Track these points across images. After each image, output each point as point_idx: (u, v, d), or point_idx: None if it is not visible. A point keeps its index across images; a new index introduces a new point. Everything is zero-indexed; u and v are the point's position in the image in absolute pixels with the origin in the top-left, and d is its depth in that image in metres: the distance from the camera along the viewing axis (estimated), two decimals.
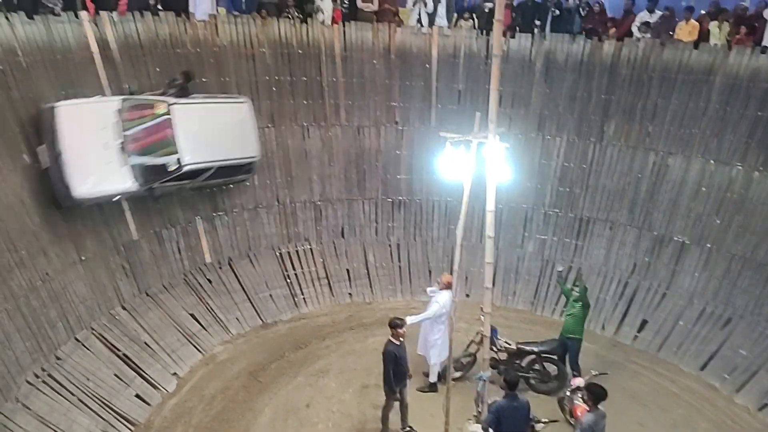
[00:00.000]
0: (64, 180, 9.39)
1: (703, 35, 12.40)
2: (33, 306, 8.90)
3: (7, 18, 9.35)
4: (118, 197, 10.28)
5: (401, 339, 8.55)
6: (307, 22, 12.90)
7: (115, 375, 9.65)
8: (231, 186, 12.36)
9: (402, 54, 13.47)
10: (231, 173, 11.53)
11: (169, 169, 10.24)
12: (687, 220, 12.06)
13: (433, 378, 10.25)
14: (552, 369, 10.27)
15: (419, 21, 13.70)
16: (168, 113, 10.21)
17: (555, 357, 10.22)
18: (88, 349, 9.59)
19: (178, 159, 10.18)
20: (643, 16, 13.04)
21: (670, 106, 12.22)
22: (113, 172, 9.93)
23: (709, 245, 11.77)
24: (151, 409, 9.71)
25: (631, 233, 12.63)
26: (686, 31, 12.45)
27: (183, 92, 10.82)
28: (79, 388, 9.05)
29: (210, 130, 10.78)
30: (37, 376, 8.66)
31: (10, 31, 9.35)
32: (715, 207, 11.77)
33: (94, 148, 9.77)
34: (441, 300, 9.75)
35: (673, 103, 12.18)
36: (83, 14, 10.48)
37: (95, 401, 9.11)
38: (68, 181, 9.39)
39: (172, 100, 10.41)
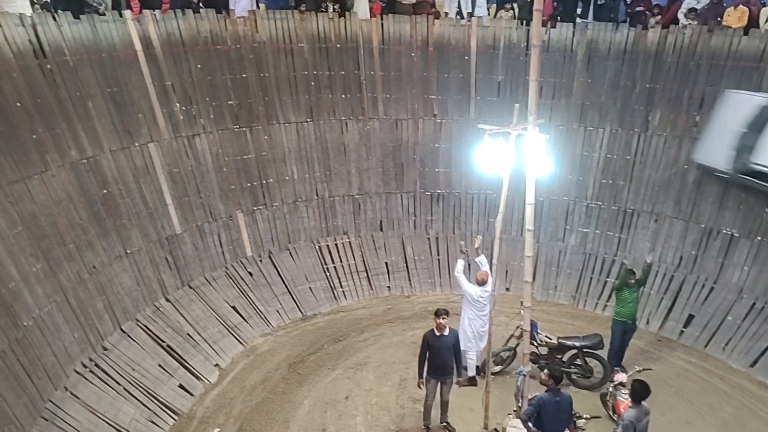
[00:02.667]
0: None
1: (754, 20, 11.96)
2: (81, 298, 9.17)
3: (54, 18, 9.62)
4: (722, 175, 11.35)
5: (444, 332, 8.48)
6: (345, 17, 12.91)
7: (159, 365, 9.88)
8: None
9: (440, 46, 13.37)
10: None
11: (744, 162, 10.76)
12: (736, 212, 11.65)
13: (471, 372, 10.18)
14: (594, 364, 10.09)
15: (459, 13, 13.57)
16: None
17: (596, 352, 10.03)
18: (133, 339, 9.85)
19: (749, 156, 10.64)
20: (689, 2, 12.66)
21: (718, 95, 11.81)
22: (727, 154, 10.95)
23: (759, 238, 11.36)
24: (193, 399, 9.91)
25: (678, 226, 12.29)
26: (735, 16, 12.02)
27: None
28: (125, 378, 9.29)
29: None
30: (84, 366, 8.92)
31: (58, 30, 9.62)
32: (765, 199, 11.34)
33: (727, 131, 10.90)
34: (469, 289, 9.73)
35: (722, 91, 11.77)
36: (127, 13, 10.71)
37: (140, 391, 9.34)
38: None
39: None
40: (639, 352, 10.97)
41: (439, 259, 13.51)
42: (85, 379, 8.82)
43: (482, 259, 10.00)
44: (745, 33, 11.64)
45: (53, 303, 8.63)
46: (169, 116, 11.33)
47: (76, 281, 9.16)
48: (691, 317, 11.69)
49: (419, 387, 8.84)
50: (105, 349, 9.37)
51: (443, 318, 8.44)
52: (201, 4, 11.99)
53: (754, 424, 9.54)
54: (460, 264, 9.94)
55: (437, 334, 8.48)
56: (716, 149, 11.21)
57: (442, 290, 13.18)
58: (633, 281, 10.06)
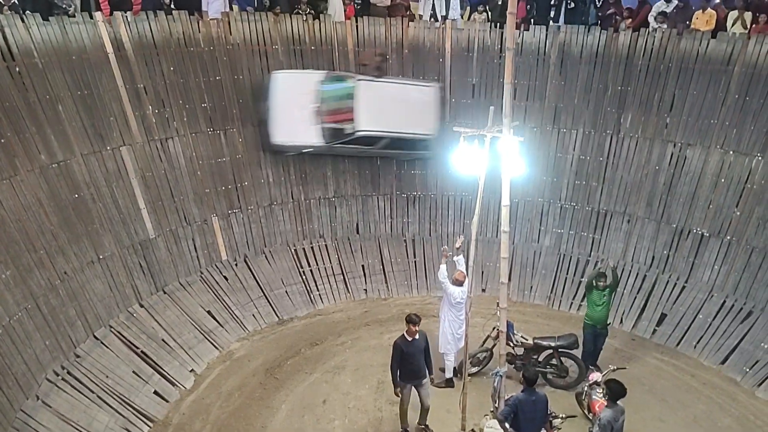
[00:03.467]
0: (269, 129, 12.22)
1: (721, 24, 12.21)
2: (52, 305, 9.02)
3: (22, 19, 9.44)
4: (307, 150, 12.58)
5: (415, 336, 8.48)
6: (319, 19, 12.88)
7: (134, 372, 9.75)
8: (415, 161, 13.52)
9: (415, 48, 13.41)
10: (408, 147, 12.85)
11: (346, 132, 12.24)
12: (706, 212, 11.89)
13: (448, 373, 10.22)
14: (569, 364, 10.20)
15: (433, 16, 13.63)
16: (353, 90, 12.21)
17: (572, 352, 10.13)
18: (106, 346, 9.71)
19: (353, 125, 12.12)
20: (659, 5, 12.88)
21: (687, 97, 12.05)
22: (306, 129, 12.31)
23: (728, 237, 11.61)
24: (169, 406, 9.80)
25: (650, 226, 12.49)
26: (703, 20, 12.26)
27: (379, 72, 12.46)
28: (98, 386, 9.16)
29: (389, 105, 12.42)
30: (56, 374, 8.78)
31: (26, 32, 9.45)
32: (734, 198, 11.59)
33: (296, 108, 12.19)
34: (449, 289, 9.74)
35: (691, 93, 12.01)
36: (98, 15, 10.56)
37: (114, 398, 9.21)
38: (271, 131, 12.20)
39: (359, 76, 12.35)
40: (613, 351, 11.12)
41: (415, 262, 13.53)
42: (58, 387, 8.68)
43: (460, 259, 10.05)
44: (713, 36, 11.88)
45: (23, 310, 8.47)
46: (142, 119, 11.19)
47: (47, 288, 9.01)
48: (663, 316, 11.88)
49: (396, 395, 8.82)
50: (77, 356, 9.22)
51: (417, 325, 8.43)
52: (173, 6, 11.86)
53: (725, 420, 9.74)
54: (444, 268, 9.95)
55: (409, 339, 8.48)
56: (294, 128, 12.35)
57: (418, 293, 13.21)
58: (602, 284, 10.09)
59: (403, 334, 8.51)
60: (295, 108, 12.22)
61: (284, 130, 12.29)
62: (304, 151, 12.64)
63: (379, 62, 12.58)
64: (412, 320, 8.41)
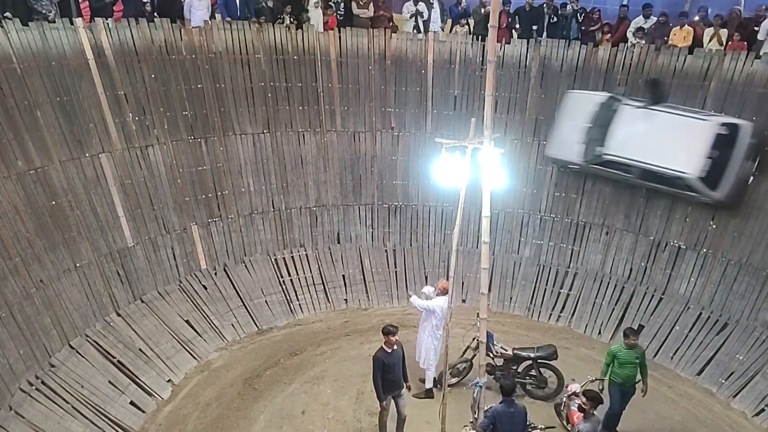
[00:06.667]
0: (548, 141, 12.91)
1: (698, 40, 12.46)
2: (27, 313, 8.87)
3: (1, 25, 9.34)
4: (572, 167, 12.77)
5: (394, 347, 8.48)
6: (302, 28, 12.90)
7: (110, 382, 9.62)
8: (676, 198, 12.00)
9: (397, 60, 13.48)
10: (663, 182, 11.55)
11: (595, 154, 12.01)
12: (683, 224, 12.07)
13: (428, 384, 10.21)
14: (548, 374, 10.24)
15: (415, 27, 13.73)
16: (616, 109, 11.96)
17: (551, 362, 10.18)
18: (82, 356, 9.57)
19: (601, 150, 11.91)
20: (638, 21, 13.11)
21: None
22: (575, 147, 12.34)
23: (705, 250, 11.78)
24: (145, 417, 9.67)
25: (628, 238, 12.64)
26: (681, 36, 12.50)
27: (656, 98, 11.72)
28: (74, 396, 9.01)
29: (647, 133, 11.54)
30: (30, 384, 8.62)
31: (5, 37, 9.34)
32: (710, 212, 11.78)
33: (573, 127, 12.36)
34: (437, 303, 9.73)
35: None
36: (78, 21, 10.48)
37: (89, 409, 9.07)
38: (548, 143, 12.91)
39: (626, 99, 11.99)
40: (591, 362, 11.17)
41: (396, 272, 13.53)
42: (31, 397, 8.52)
43: (427, 289, 10.16)
44: (690, 52, 12.11)
45: None
46: (122, 126, 11.10)
47: (21, 296, 8.86)
48: (641, 327, 11.98)
49: (383, 408, 8.79)
50: (52, 366, 9.07)
51: (395, 336, 8.44)
52: (155, 14, 11.81)
53: (701, 431, 9.83)
54: (415, 298, 9.99)
55: (388, 350, 8.47)
56: (566, 144, 12.47)
57: (399, 303, 13.19)
58: (633, 340, 8.89)
59: (382, 346, 8.50)
60: (572, 125, 12.37)
61: (557, 144, 12.64)
62: (569, 167, 12.82)
63: (652, 88, 11.86)
64: (389, 331, 8.41)
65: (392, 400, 8.82)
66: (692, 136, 11.16)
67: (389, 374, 8.51)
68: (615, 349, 8.97)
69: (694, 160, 11.04)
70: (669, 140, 11.31)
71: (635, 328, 9.72)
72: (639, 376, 9.02)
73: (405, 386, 8.84)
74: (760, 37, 11.83)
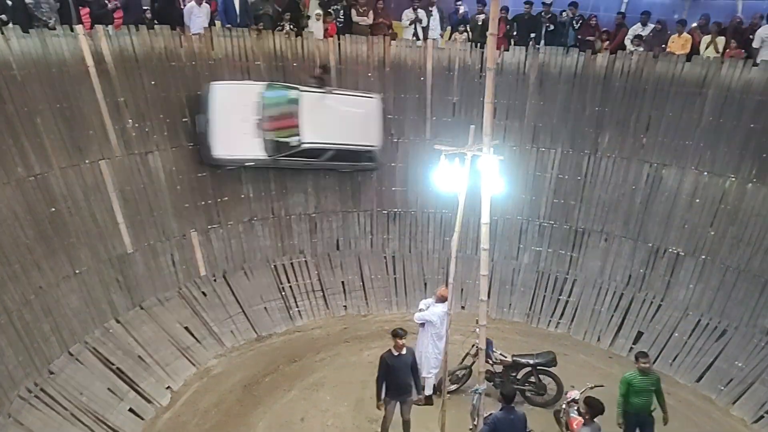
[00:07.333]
0: (208, 142, 11.67)
1: (696, 48, 12.51)
2: (26, 320, 8.87)
3: (1, 32, 9.37)
4: (249, 164, 12.26)
5: (402, 351, 8.46)
6: (302, 36, 12.95)
7: (109, 389, 9.61)
8: (358, 173, 13.38)
9: (396, 67, 13.52)
10: (352, 158, 12.79)
11: (291, 145, 11.99)
12: (681, 231, 12.09)
13: (428, 391, 10.20)
14: (547, 381, 10.24)
15: (414, 34, 13.78)
16: (297, 99, 12.11)
17: (550, 369, 10.17)
18: (81, 363, 9.55)
19: (299, 138, 11.95)
20: (635, 29, 13.16)
21: (663, 118, 12.29)
22: (248, 142, 12.00)
23: (703, 257, 11.80)
24: (144, 424, 9.65)
25: (626, 245, 12.66)
26: (679, 44, 12.54)
27: (321, 83, 12.46)
28: (72, 403, 9.00)
29: (333, 117, 12.39)
30: (29, 391, 8.61)
31: (5, 44, 9.37)
32: (709, 218, 11.81)
33: (236, 120, 11.85)
34: (436, 311, 9.72)
35: (667, 115, 12.26)
36: (78, 28, 10.51)
37: (88, 416, 9.05)
38: (211, 144, 11.66)
39: (303, 87, 12.26)
40: (591, 369, 11.19)
41: (395, 278, 13.53)
42: (30, 404, 8.51)
43: (423, 303, 10.14)
44: (688, 59, 12.16)
45: None
46: (121, 133, 11.11)
47: (20, 302, 8.86)
48: (640, 334, 12.01)
49: (378, 409, 8.79)
50: (51, 372, 9.06)
51: (402, 339, 8.44)
52: (155, 21, 11.85)
53: None
54: (418, 314, 9.94)
55: (395, 353, 8.47)
56: (237, 141, 11.96)
57: (398, 309, 13.19)
58: (645, 363, 8.37)
59: (390, 349, 8.51)
60: (236, 120, 11.91)
61: (225, 143, 11.84)
62: (246, 164, 12.33)
63: (321, 73, 12.59)
64: (398, 334, 8.41)
65: (397, 404, 8.81)
66: (368, 112, 12.79)
67: (394, 378, 8.51)
68: (629, 377, 8.41)
69: (376, 133, 12.84)
70: (355, 119, 12.59)
71: (645, 351, 9.08)
72: (654, 404, 8.52)
73: (413, 393, 8.81)
74: (754, 44, 11.88)
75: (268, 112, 12.10)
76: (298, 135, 12.02)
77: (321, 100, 12.38)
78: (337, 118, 12.46)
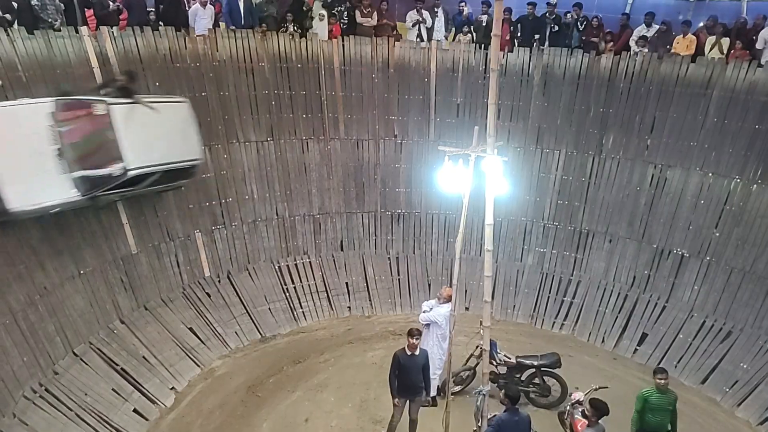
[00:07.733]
0: None
1: (700, 49, 12.48)
2: (31, 320, 8.88)
3: (7, 33, 9.40)
4: (57, 209, 9.14)
5: (415, 351, 8.49)
6: (306, 37, 12.97)
7: (113, 390, 9.61)
8: (169, 192, 11.29)
9: (400, 68, 13.53)
10: (175, 177, 10.54)
11: (114, 176, 9.26)
12: (686, 232, 12.07)
13: (432, 392, 10.17)
14: (552, 383, 10.22)
15: (419, 36, 13.78)
16: (107, 115, 9.23)
17: (554, 371, 10.15)
18: (86, 363, 9.56)
19: (123, 165, 9.22)
20: (640, 30, 13.14)
21: (668, 119, 12.27)
22: (51, 182, 8.95)
23: (708, 258, 11.77)
24: (148, 424, 9.65)
25: (631, 246, 12.63)
26: (683, 45, 12.52)
27: (126, 93, 9.77)
28: (77, 403, 9.01)
29: (152, 132, 9.80)
30: (34, 391, 8.62)
31: (11, 45, 9.39)
32: (714, 219, 11.79)
33: (26, 156, 8.76)
34: (441, 312, 9.71)
35: (671, 116, 12.24)
36: (83, 29, 10.53)
37: (93, 416, 9.06)
38: (1, 193, 8.35)
39: (110, 100, 9.43)
40: (595, 370, 11.16)
41: (399, 279, 13.53)
42: (35, 404, 8.52)
43: (427, 304, 10.10)
44: (693, 61, 12.14)
45: (1, 326, 8.33)
46: None
47: (25, 303, 8.88)
48: (644, 335, 11.98)
49: (396, 405, 8.82)
50: (56, 373, 9.07)
51: (417, 339, 8.46)
52: (160, 22, 11.87)
53: None
54: (423, 316, 9.93)
55: (408, 353, 8.49)
56: (35, 184, 8.76)
57: (402, 310, 13.19)
58: (663, 380, 8.03)
59: (404, 347, 8.55)
60: (26, 155, 8.76)
61: (21, 189, 8.53)
62: (53, 212, 9.12)
63: (126, 81, 9.96)
64: (411, 333, 8.45)
65: (407, 402, 8.85)
66: (183, 119, 10.50)
67: (405, 377, 8.55)
68: (646, 394, 8.06)
69: (196, 144, 10.73)
70: (173, 131, 10.31)
71: (663, 367, 8.81)
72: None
73: (424, 395, 8.88)
74: (758, 45, 11.86)
75: (70, 137, 9.22)
76: (120, 161, 9.24)
77: (134, 113, 9.60)
78: (156, 133, 9.88)
